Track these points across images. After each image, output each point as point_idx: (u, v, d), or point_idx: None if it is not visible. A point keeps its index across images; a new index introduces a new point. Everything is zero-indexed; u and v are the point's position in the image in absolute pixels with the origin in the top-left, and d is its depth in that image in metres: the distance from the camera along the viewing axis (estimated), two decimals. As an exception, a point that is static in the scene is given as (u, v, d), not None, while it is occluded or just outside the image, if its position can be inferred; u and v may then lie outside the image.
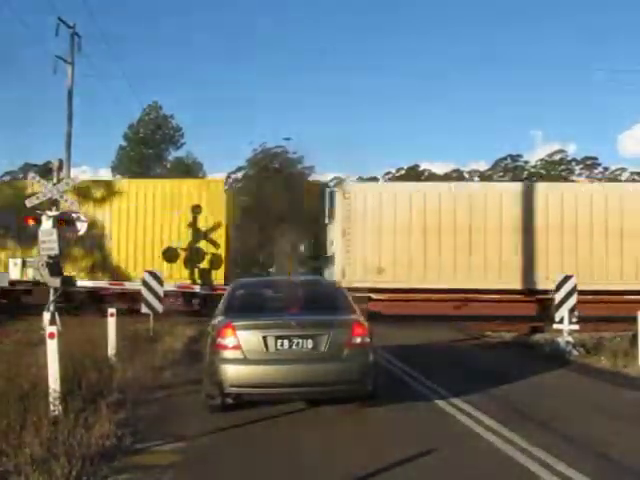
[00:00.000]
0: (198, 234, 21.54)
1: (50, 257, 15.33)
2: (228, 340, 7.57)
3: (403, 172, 71.49)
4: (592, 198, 18.93)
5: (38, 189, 16.35)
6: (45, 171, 25.87)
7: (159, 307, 15.97)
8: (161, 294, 16.14)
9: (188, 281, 21.41)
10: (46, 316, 15.10)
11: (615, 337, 15.73)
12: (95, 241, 21.48)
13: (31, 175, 17.44)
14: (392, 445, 6.72)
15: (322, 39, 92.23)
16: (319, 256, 27.18)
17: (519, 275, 18.83)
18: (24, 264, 21.20)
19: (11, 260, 21.58)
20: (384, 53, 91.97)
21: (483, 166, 73.86)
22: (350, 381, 7.65)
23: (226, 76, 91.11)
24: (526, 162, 73.19)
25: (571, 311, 14.08)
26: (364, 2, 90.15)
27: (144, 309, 15.94)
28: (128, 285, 20.93)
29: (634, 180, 60.86)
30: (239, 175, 64.76)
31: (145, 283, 16.14)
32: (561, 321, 14.09)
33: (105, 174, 61.17)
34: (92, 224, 19.05)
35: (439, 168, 72.94)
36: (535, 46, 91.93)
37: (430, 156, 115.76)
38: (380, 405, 8.21)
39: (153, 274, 16.37)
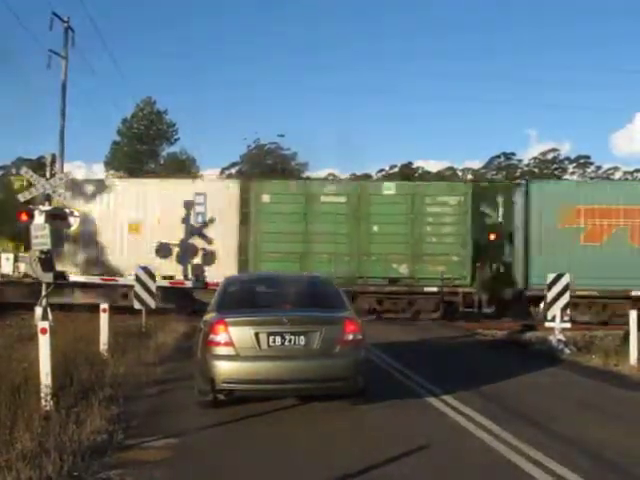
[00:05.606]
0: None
1: (42, 252, 15.32)
2: (220, 336, 7.56)
3: (397, 170, 71.50)
4: None
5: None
6: (38, 166, 25.78)
7: (152, 303, 15.94)
8: (154, 290, 16.10)
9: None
10: (38, 311, 15.09)
11: (607, 335, 15.83)
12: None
13: (24, 170, 17.35)
14: (384, 442, 6.72)
15: (319, 36, 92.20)
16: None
17: None
18: (16, 259, 21.17)
19: (3, 255, 21.53)
20: (380, 51, 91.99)
21: (477, 165, 73.88)
22: (342, 378, 7.65)
23: (221, 72, 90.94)
24: (519, 160, 73.35)
25: (563, 309, 14.12)
26: (361, 1, 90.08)
27: (137, 305, 15.91)
28: None
29: (626, 180, 61.05)
30: (233, 171, 64.72)
31: (138, 279, 16.10)
32: (553, 319, 14.14)
33: (99, 169, 61.04)
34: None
35: (433, 166, 72.95)
36: (532, 45, 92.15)
37: (424, 154, 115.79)
38: (372, 402, 8.21)
39: (146, 270, 16.33)
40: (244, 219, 21.31)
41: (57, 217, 16.13)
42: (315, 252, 20.82)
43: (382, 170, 72.12)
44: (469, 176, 69.22)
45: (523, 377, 10.82)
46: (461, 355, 14.06)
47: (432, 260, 20.65)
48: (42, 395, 7.33)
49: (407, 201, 20.92)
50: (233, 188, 21.71)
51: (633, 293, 20.21)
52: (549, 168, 71.08)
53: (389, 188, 21.50)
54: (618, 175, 68.75)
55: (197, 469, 5.90)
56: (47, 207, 15.78)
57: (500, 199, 22.84)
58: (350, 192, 21.43)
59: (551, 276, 14.50)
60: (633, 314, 12.15)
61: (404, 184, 24.24)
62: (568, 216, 20.59)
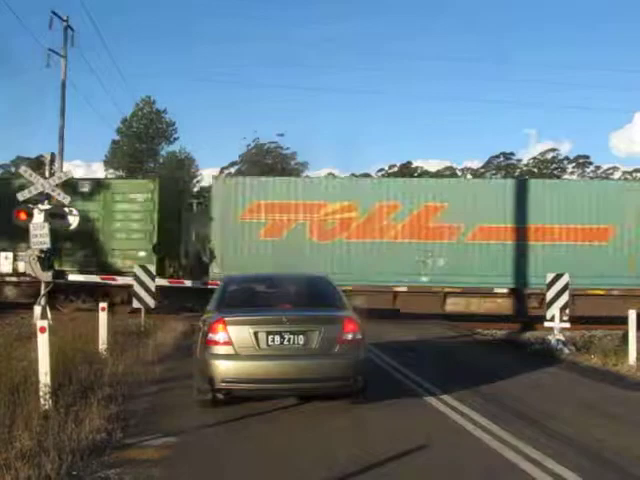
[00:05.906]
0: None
1: (41, 251, 15.31)
2: (219, 336, 7.56)
3: (396, 169, 71.54)
4: None
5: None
6: (37, 164, 25.79)
7: (151, 302, 15.93)
8: (153, 289, 16.09)
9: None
10: (37, 310, 15.06)
11: (606, 335, 15.83)
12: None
13: (22, 168, 17.32)
14: (383, 442, 6.72)
15: (319, 36, 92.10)
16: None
17: None
18: (15, 258, 21.13)
19: (2, 254, 21.48)
20: (380, 51, 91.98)
21: (477, 164, 73.94)
22: (341, 377, 7.65)
23: (220, 71, 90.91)
24: (519, 160, 73.45)
25: (562, 309, 14.12)
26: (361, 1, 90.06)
27: (136, 304, 15.91)
28: None
29: (625, 180, 60.99)
30: (232, 170, 64.74)
31: (137, 278, 16.09)
32: (552, 319, 14.14)
33: (98, 168, 61.12)
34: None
35: (433, 166, 73.04)
36: (532, 45, 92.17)
37: (424, 154, 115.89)
38: (371, 402, 8.20)
39: (145, 268, 16.31)
40: None
41: (56, 216, 16.08)
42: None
43: (382, 170, 72.23)
44: (468, 175, 69.24)
45: (522, 377, 10.81)
46: (460, 355, 14.05)
47: (122, 255, 21.00)
48: (41, 394, 7.32)
49: (100, 198, 21.24)
50: None
51: None
52: (548, 168, 71.13)
53: (83, 186, 21.69)
54: (617, 175, 68.74)
55: (196, 468, 5.90)
56: (46, 206, 15.75)
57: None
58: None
59: (550, 276, 14.50)
60: (632, 314, 12.13)
61: (97, 181, 24.19)
62: (248, 211, 20.76)
